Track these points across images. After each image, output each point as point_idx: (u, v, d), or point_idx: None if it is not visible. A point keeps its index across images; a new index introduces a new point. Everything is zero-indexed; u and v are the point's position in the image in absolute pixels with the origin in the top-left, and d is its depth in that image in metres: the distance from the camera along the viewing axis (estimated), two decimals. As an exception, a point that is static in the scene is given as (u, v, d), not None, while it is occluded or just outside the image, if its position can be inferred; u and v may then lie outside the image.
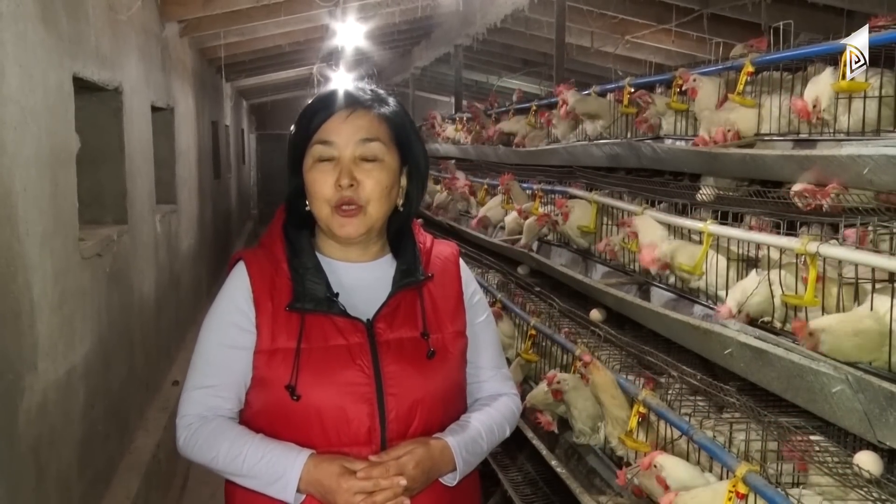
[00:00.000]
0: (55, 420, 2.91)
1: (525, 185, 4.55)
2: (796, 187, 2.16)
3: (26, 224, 2.64)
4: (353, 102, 1.66)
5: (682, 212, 2.93)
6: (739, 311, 2.21)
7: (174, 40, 6.44)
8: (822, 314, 2.01)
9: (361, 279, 1.69)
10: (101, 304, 3.68)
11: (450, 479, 1.66)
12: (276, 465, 1.57)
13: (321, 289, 1.63)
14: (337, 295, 1.64)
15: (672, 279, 2.78)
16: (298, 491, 1.56)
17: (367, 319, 1.64)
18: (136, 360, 4.46)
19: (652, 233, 2.81)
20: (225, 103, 11.37)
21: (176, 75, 6.51)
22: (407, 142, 1.70)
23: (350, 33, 8.18)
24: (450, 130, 7.09)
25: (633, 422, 2.54)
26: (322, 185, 1.62)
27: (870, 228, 1.99)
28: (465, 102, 9.00)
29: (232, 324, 1.65)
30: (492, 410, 1.77)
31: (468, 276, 1.81)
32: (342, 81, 11.67)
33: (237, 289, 1.67)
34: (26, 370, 2.62)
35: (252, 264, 1.68)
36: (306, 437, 1.59)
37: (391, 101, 1.72)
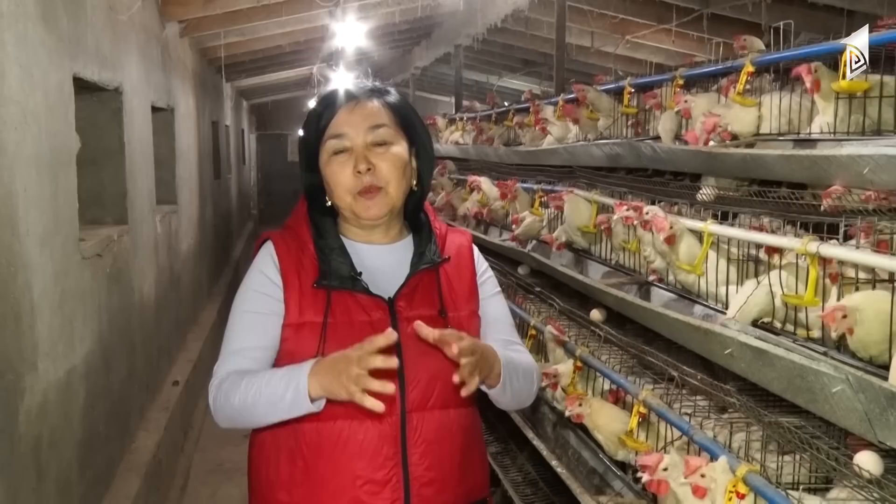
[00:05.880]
0: (55, 420, 2.90)
1: (524, 185, 4.55)
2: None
3: (27, 224, 2.64)
4: (355, 95, 1.79)
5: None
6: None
7: (174, 40, 6.43)
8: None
9: (382, 260, 1.80)
10: (101, 304, 3.67)
11: (496, 390, 1.72)
12: (286, 376, 1.62)
13: (346, 268, 1.74)
14: (360, 274, 1.73)
15: (671, 278, 2.77)
16: (311, 398, 1.59)
17: (389, 297, 1.73)
18: (136, 361, 4.45)
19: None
20: (225, 103, 11.37)
21: (176, 75, 6.50)
22: (411, 124, 1.82)
23: (350, 33, 8.18)
24: (455, 135, 7.05)
25: (634, 422, 2.54)
26: (341, 176, 1.74)
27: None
28: (465, 103, 8.98)
29: (261, 293, 1.74)
30: (521, 358, 1.84)
31: (480, 259, 1.93)
32: (342, 81, 11.65)
33: (266, 264, 1.77)
34: (26, 370, 2.62)
35: (279, 244, 1.79)
36: (330, 407, 1.64)
37: (391, 90, 1.85)
